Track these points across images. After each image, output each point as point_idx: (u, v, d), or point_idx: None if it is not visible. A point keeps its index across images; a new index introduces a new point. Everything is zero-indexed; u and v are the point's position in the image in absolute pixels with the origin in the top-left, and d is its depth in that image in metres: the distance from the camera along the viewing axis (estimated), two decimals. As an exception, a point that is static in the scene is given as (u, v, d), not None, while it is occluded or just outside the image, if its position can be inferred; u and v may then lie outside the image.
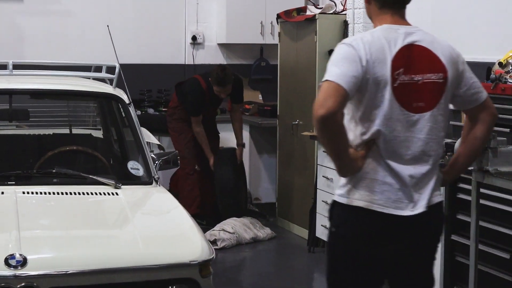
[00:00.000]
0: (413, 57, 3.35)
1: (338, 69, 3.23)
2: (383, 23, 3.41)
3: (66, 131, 6.38)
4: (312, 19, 7.68)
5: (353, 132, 3.36)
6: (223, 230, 7.48)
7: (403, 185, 3.36)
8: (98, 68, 5.78)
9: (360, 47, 3.26)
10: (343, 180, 3.45)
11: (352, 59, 3.24)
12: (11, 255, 3.54)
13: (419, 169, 3.40)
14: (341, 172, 3.38)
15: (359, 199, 3.34)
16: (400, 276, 3.55)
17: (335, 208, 3.49)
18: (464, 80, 3.54)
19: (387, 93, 3.30)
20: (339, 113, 3.21)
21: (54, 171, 4.97)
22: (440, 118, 3.45)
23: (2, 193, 4.44)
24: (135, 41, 9.76)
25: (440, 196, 3.52)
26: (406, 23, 3.46)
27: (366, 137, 3.33)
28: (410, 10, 7.31)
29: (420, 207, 3.38)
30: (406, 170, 3.37)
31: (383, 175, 3.33)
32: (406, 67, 3.32)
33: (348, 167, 3.35)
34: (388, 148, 3.34)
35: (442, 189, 5.75)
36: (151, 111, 9.38)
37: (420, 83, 3.36)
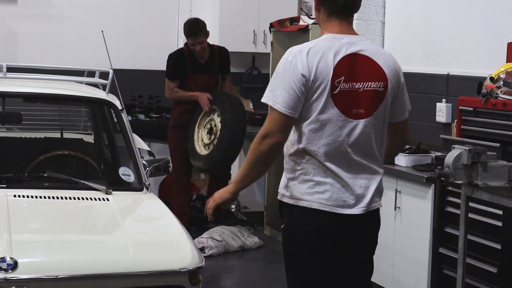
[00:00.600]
0: (355, 66, 3.51)
1: (284, 94, 3.45)
2: (330, 31, 3.60)
3: (58, 135, 6.35)
4: (305, 29, 7.72)
5: (290, 138, 3.62)
6: (211, 237, 7.48)
7: (344, 186, 3.55)
8: (91, 73, 5.78)
9: (300, 61, 3.46)
10: (284, 181, 3.67)
11: (294, 79, 3.44)
12: (1, 258, 3.54)
13: (358, 172, 3.60)
14: (237, 186, 3.70)
15: (302, 199, 3.55)
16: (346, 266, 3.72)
17: (283, 207, 3.70)
18: (400, 94, 3.72)
19: (325, 100, 3.48)
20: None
21: (45, 175, 4.95)
22: (379, 124, 3.61)
23: (-6, 195, 4.42)
24: (128, 46, 9.78)
25: (379, 203, 3.71)
26: (352, 32, 3.66)
27: (302, 145, 3.54)
28: (402, 24, 7.24)
29: (359, 209, 3.58)
30: (345, 173, 3.56)
31: (324, 176, 3.52)
32: (347, 75, 3.49)
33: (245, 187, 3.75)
34: (327, 152, 3.51)
35: (431, 202, 5.85)
36: (141, 117, 9.38)
37: (361, 91, 3.52)
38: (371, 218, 3.71)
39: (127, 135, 5.31)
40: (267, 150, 3.50)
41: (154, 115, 9.48)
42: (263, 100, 3.58)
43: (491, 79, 5.49)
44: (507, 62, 5.74)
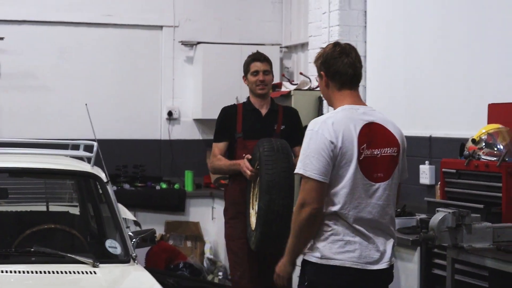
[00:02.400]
0: (372, 134, 3.84)
1: (314, 162, 3.71)
2: (344, 103, 3.90)
3: (44, 208, 6.37)
4: (288, 95, 7.86)
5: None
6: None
7: (370, 243, 3.84)
8: (76, 146, 5.83)
9: (326, 130, 3.73)
10: (310, 242, 3.89)
11: (322, 146, 3.71)
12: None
13: (379, 230, 3.90)
14: (291, 256, 3.94)
15: (333, 258, 3.80)
16: None
17: (307, 266, 3.91)
18: (403, 157, 4.06)
19: (354, 166, 3.77)
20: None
21: (32, 250, 4.95)
22: (394, 186, 3.97)
23: (-19, 272, 4.44)
24: (112, 116, 9.88)
25: (394, 259, 4.04)
26: (363, 102, 4.03)
27: (335, 208, 3.79)
28: (384, 88, 7.30)
29: (383, 264, 3.88)
30: (369, 232, 3.85)
31: (352, 236, 3.80)
32: (368, 143, 3.80)
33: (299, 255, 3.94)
34: (356, 214, 3.80)
35: (417, 264, 5.85)
36: (127, 186, 9.51)
37: (379, 157, 3.85)
38: (390, 272, 4.00)
39: (113, 207, 5.35)
40: (306, 219, 3.73)
41: (139, 184, 9.60)
42: (296, 172, 3.81)
43: (473, 140, 5.57)
44: (488, 123, 5.80)
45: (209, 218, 9.29)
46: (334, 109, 3.97)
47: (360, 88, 7.95)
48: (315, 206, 3.71)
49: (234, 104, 6.40)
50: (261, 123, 5.95)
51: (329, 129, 3.73)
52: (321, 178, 3.68)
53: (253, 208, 5.66)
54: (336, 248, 3.80)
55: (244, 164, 5.62)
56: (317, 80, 8.30)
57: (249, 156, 5.60)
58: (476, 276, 5.16)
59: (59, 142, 6.21)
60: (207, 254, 9.85)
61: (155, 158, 10.34)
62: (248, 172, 5.57)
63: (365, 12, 8.44)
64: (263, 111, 5.99)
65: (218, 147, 5.99)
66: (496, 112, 5.80)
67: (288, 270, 3.96)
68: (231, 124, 5.98)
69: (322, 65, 3.96)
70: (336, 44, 4.01)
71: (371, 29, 8.42)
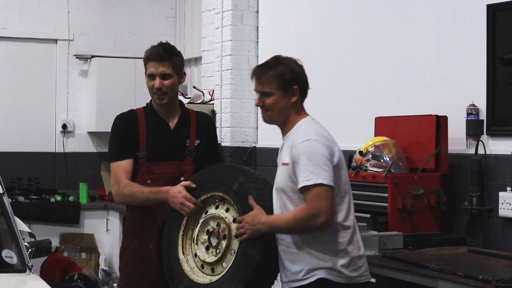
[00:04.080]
0: None
1: (324, 168, 3.53)
2: (307, 115, 3.85)
3: None
4: (180, 107, 7.82)
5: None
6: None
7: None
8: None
9: (321, 137, 3.64)
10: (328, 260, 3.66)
11: (325, 153, 3.57)
12: None
13: None
14: (271, 229, 3.70)
15: (359, 275, 3.72)
16: None
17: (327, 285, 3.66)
18: None
19: (346, 171, 3.78)
20: None
21: None
22: None
23: None
24: (5, 129, 9.81)
25: None
26: None
27: (348, 222, 3.71)
28: None
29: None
30: None
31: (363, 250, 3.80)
32: None
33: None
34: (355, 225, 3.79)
35: None
36: (21, 199, 9.43)
37: None
38: None
39: (9, 218, 5.31)
40: (314, 228, 3.56)
41: (33, 197, 9.53)
42: (303, 185, 3.55)
43: (360, 152, 5.68)
44: (375, 136, 5.97)
45: (104, 230, 9.27)
46: (285, 125, 3.84)
47: (251, 102, 8.13)
48: (330, 215, 3.55)
49: (133, 109, 4.62)
50: (170, 140, 4.49)
51: (322, 137, 3.65)
52: (333, 183, 3.54)
53: (187, 254, 4.16)
54: (361, 264, 3.77)
55: (180, 193, 4.13)
56: (210, 94, 8.53)
57: (192, 185, 4.14)
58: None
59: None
60: (102, 265, 9.73)
61: (50, 171, 10.24)
62: (191, 206, 4.09)
63: (257, 27, 8.61)
64: (172, 123, 4.50)
65: (122, 167, 4.38)
66: (383, 125, 5.94)
67: (261, 230, 3.67)
68: (132, 136, 4.45)
69: (299, 80, 3.83)
70: (294, 59, 3.90)
71: (263, 44, 8.62)
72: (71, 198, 9.85)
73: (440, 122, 5.45)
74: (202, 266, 4.04)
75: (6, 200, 5.42)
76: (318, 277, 3.63)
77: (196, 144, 4.44)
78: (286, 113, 3.81)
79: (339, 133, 6.83)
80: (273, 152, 5.37)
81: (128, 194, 4.29)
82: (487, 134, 5.29)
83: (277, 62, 3.81)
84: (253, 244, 3.75)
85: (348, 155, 5.88)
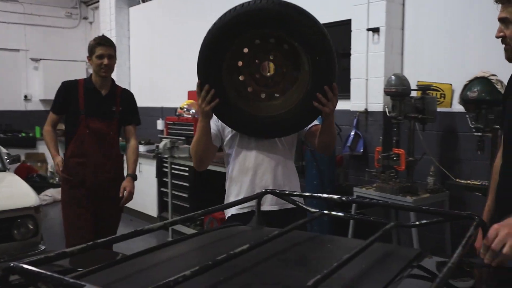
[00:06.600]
0: None
1: None
2: None
3: None
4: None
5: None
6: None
7: None
8: None
9: None
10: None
11: None
12: None
13: None
14: None
15: None
16: None
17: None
18: None
19: None
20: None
21: None
22: None
23: None
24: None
25: None
26: None
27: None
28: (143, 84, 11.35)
29: None
30: None
31: None
32: None
33: None
34: None
35: (155, 167, 8.91)
36: (1, 135, 12.44)
37: None
38: None
39: None
40: None
41: (9, 134, 12.62)
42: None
43: (181, 108, 8.31)
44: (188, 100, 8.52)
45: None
46: None
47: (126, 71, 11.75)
48: None
49: (76, 80, 5.52)
50: (101, 103, 5.48)
51: None
52: None
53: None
54: None
55: (58, 166, 5.36)
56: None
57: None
58: (182, 176, 8.00)
59: None
60: (49, 169, 12.67)
61: (19, 120, 13.10)
62: (60, 173, 5.41)
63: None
64: (104, 91, 5.49)
65: (52, 118, 5.51)
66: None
67: None
68: (71, 99, 5.42)
69: None
70: None
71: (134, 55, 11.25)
72: (30, 134, 13.16)
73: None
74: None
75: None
76: None
77: (120, 110, 5.60)
78: None
79: (174, 97, 9.79)
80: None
81: (45, 138, 5.52)
82: None
83: None
84: None
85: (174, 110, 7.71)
